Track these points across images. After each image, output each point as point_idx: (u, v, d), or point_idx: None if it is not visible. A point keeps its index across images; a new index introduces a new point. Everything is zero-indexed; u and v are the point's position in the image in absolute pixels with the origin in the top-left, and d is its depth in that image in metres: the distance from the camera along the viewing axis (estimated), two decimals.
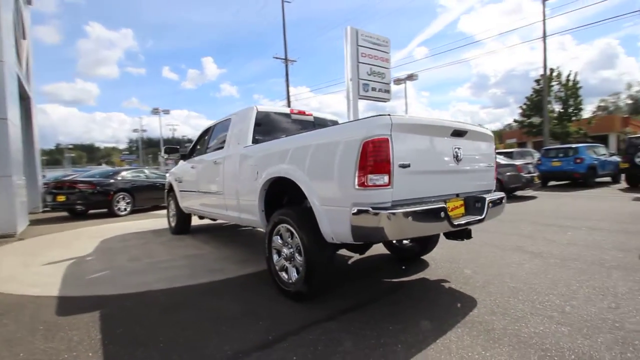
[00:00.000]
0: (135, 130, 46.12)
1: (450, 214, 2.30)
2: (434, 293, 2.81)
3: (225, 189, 3.75)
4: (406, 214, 2.00)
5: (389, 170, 2.01)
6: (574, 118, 26.00)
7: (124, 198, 8.75)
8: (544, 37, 15.68)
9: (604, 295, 2.58)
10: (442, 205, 2.23)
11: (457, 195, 2.59)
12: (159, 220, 7.57)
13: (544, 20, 15.53)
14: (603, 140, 24.82)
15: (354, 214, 2.07)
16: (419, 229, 2.18)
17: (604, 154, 11.71)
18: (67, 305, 2.74)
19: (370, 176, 2.01)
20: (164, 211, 9.56)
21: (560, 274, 3.07)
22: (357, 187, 2.06)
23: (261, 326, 2.27)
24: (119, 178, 9.12)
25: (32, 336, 2.21)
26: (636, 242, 4.02)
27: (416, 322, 2.26)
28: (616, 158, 11.86)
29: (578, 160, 10.67)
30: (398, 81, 20.73)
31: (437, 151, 2.37)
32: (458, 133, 2.49)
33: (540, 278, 2.99)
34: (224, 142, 4.02)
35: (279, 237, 2.84)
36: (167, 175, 6.37)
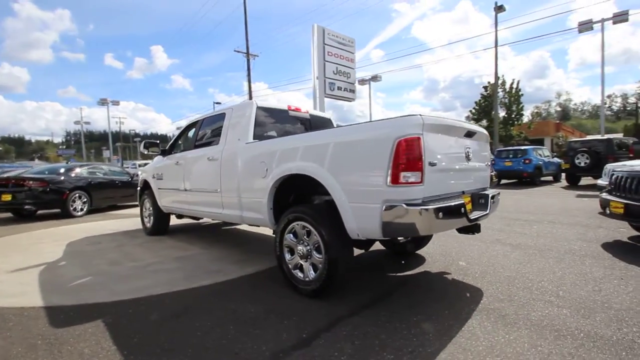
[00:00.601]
0: (76, 122, 41.77)
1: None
2: (440, 284, 2.97)
3: (222, 186, 3.60)
4: (437, 210, 2.10)
5: (421, 168, 2.10)
6: (516, 122, 28.58)
7: (80, 197, 7.98)
8: (496, 46, 17.10)
9: (585, 280, 2.91)
10: (462, 201, 2.37)
11: (463, 192, 2.76)
12: (124, 221, 7.03)
13: (495, 31, 16.92)
14: (539, 143, 27.55)
15: (385, 210, 2.12)
16: (445, 225, 2.30)
17: (548, 156, 13.07)
18: (60, 315, 2.47)
19: (403, 173, 2.08)
20: (127, 211, 8.95)
21: (543, 263, 3.40)
22: (389, 184, 2.11)
23: (288, 325, 2.24)
24: (73, 175, 8.29)
25: (34, 352, 1.96)
26: (593, 234, 4.57)
27: (436, 312, 2.38)
28: (557, 159, 13.29)
29: (527, 161, 11.79)
30: (362, 82, 21.29)
31: (454, 150, 2.51)
32: (469, 134, 2.65)
33: (527, 267, 3.29)
34: (218, 137, 3.85)
35: (291, 235, 2.81)
36: (140, 172, 5.93)
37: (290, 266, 2.82)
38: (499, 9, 16.95)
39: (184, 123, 5.57)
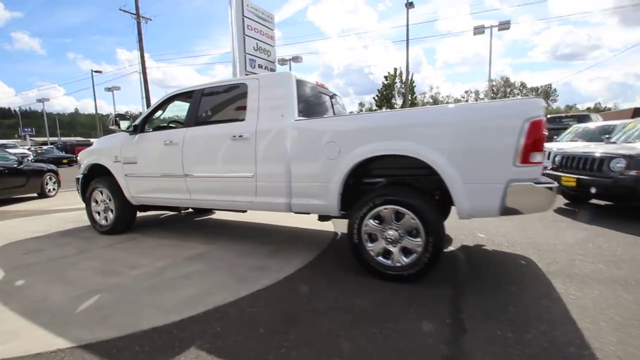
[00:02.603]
0: None
1: None
2: (490, 256, 3.24)
3: (258, 170, 3.08)
4: (557, 188, 2.26)
5: (543, 149, 2.22)
6: None
7: None
8: (407, 39, 18.90)
9: (582, 240, 3.60)
10: None
11: None
12: (35, 220, 5.35)
13: (407, 26, 18.66)
14: None
15: (513, 189, 2.19)
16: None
17: None
18: (122, 352, 1.77)
19: (532, 153, 2.17)
20: (19, 206, 6.78)
21: (536, 229, 4.04)
22: (518, 164, 2.18)
23: (418, 312, 2.14)
24: None
25: None
26: None
27: (521, 281, 2.61)
28: None
29: None
30: (283, 62, 20.68)
31: None
32: None
33: (531, 234, 3.86)
34: (238, 111, 3.26)
35: (373, 221, 2.64)
36: (83, 155, 4.53)
37: (372, 253, 2.65)
38: (410, 5, 18.70)
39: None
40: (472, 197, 2.33)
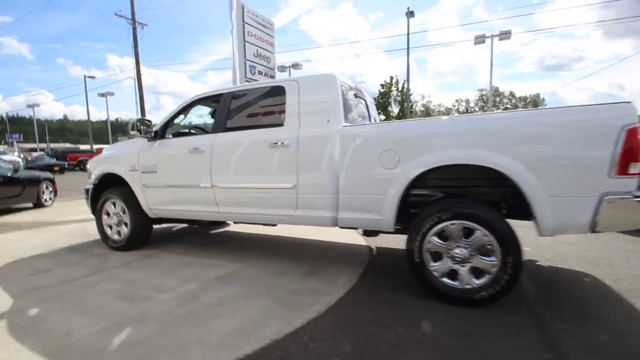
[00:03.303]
0: None
1: None
2: (548, 273, 3.00)
3: (299, 180, 2.80)
4: None
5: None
6: (407, 119, 32.73)
7: None
8: (408, 47, 18.98)
9: (633, 253, 3.39)
10: None
11: None
12: (37, 233, 4.94)
13: (407, 34, 18.74)
14: None
15: (609, 203, 1.96)
16: None
17: None
18: None
19: (631, 164, 1.94)
20: (12, 217, 6.28)
21: (579, 242, 3.83)
22: (613, 175, 1.95)
23: (510, 345, 1.87)
24: None
25: None
26: None
27: (603, 302, 2.38)
28: None
29: None
30: (282, 68, 20.51)
31: None
32: None
33: (577, 247, 3.64)
34: (276, 115, 2.99)
35: (436, 237, 2.37)
36: (92, 163, 4.17)
37: (436, 274, 2.38)
38: (410, 14, 18.83)
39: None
40: (557, 212, 2.08)
